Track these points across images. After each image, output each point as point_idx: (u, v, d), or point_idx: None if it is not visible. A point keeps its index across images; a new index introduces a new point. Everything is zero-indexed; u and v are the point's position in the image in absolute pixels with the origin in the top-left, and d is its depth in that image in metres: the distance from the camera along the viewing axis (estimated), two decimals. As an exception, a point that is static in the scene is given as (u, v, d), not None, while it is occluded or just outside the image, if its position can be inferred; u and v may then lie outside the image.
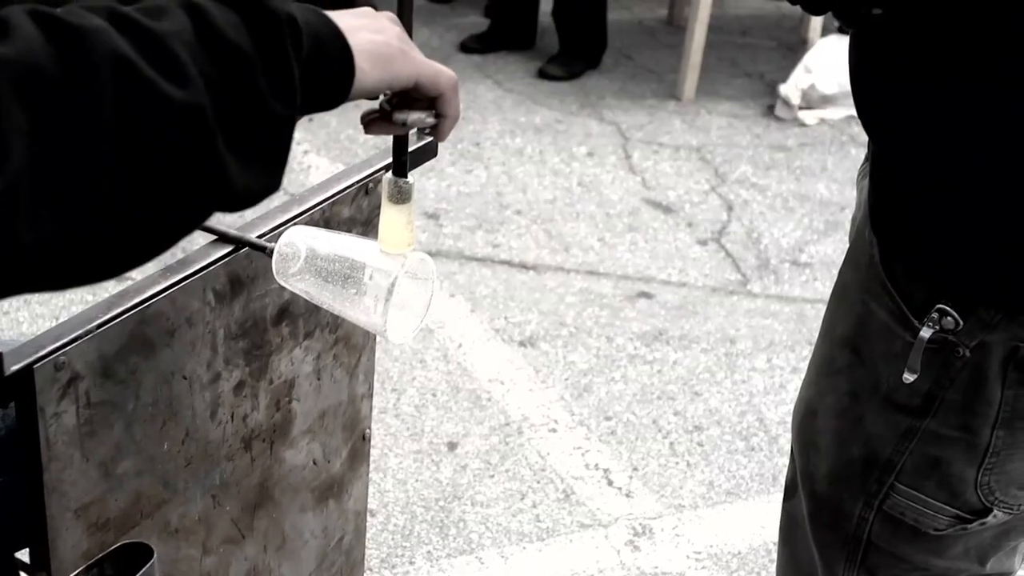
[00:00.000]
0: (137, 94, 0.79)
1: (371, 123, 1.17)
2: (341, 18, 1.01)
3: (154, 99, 0.80)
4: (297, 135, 4.49)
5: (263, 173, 0.92)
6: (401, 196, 1.23)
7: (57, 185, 0.76)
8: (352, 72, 1.01)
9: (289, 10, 0.93)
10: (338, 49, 1.00)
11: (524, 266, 3.88)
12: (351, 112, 4.79)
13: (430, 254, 3.82)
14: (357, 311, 1.28)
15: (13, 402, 1.20)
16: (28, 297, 3.44)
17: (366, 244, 1.29)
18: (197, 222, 0.89)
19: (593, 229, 4.13)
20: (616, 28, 5.59)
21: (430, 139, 1.67)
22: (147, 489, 1.37)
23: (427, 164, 1.67)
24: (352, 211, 1.57)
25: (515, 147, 4.66)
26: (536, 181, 4.41)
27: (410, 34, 1.16)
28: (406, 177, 1.23)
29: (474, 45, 5.46)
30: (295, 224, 1.45)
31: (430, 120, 1.15)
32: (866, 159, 1.52)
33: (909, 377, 1.36)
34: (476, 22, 5.66)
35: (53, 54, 0.76)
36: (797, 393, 1.64)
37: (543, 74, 5.27)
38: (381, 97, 1.15)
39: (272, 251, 1.34)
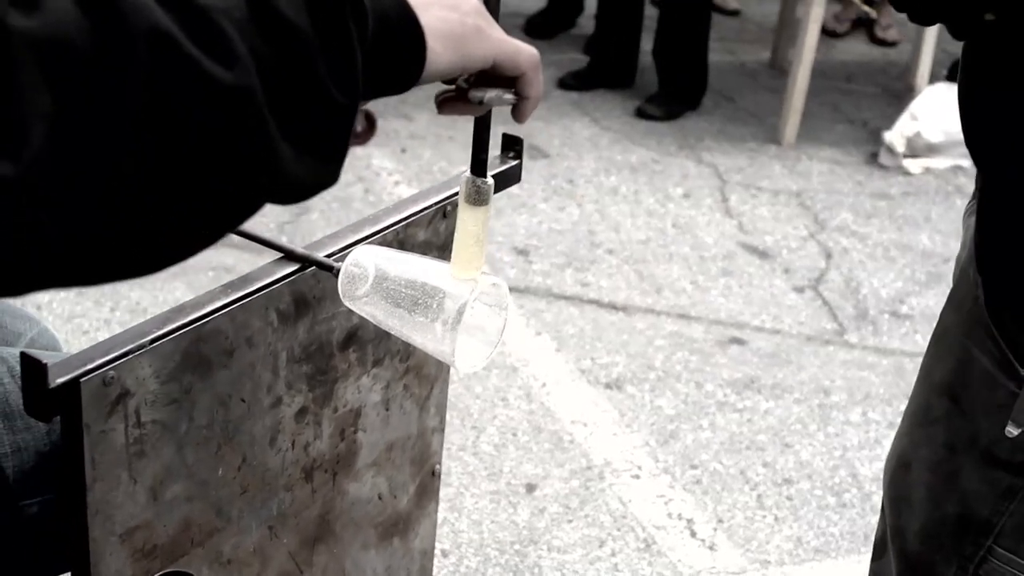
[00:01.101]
0: (177, 73, 0.72)
1: (445, 102, 1.09)
2: None
3: (196, 79, 0.73)
4: (388, 165, 4.52)
5: (320, 165, 0.84)
6: (479, 197, 1.16)
7: (82, 173, 0.70)
8: (423, 55, 0.94)
9: None
10: (407, 30, 0.92)
11: (614, 306, 3.80)
12: (445, 144, 4.80)
13: (518, 291, 3.76)
14: (425, 337, 1.21)
15: (59, 417, 1.15)
16: (108, 317, 3.43)
17: (438, 266, 1.23)
18: (245, 215, 0.82)
19: (686, 272, 4.04)
20: (717, 70, 5.51)
21: (514, 162, 1.60)
22: (198, 516, 1.31)
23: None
24: (428, 234, 1.51)
25: (610, 185, 4.59)
26: (629, 221, 4.33)
27: (495, 15, 1.08)
28: (485, 176, 1.16)
29: (572, 82, 5.41)
30: (366, 244, 1.39)
31: (509, 98, 1.07)
32: (973, 196, 1.42)
33: (1013, 431, 1.26)
34: (575, 59, 5.62)
35: (86, 27, 0.69)
36: (893, 446, 1.55)
37: (641, 113, 5.20)
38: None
39: (339, 271, 1.28)
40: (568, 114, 5.16)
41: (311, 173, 0.83)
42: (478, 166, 1.16)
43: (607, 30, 5.47)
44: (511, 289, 3.51)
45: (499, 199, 4.15)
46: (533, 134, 4.83)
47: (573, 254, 4.07)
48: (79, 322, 3.41)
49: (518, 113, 1.09)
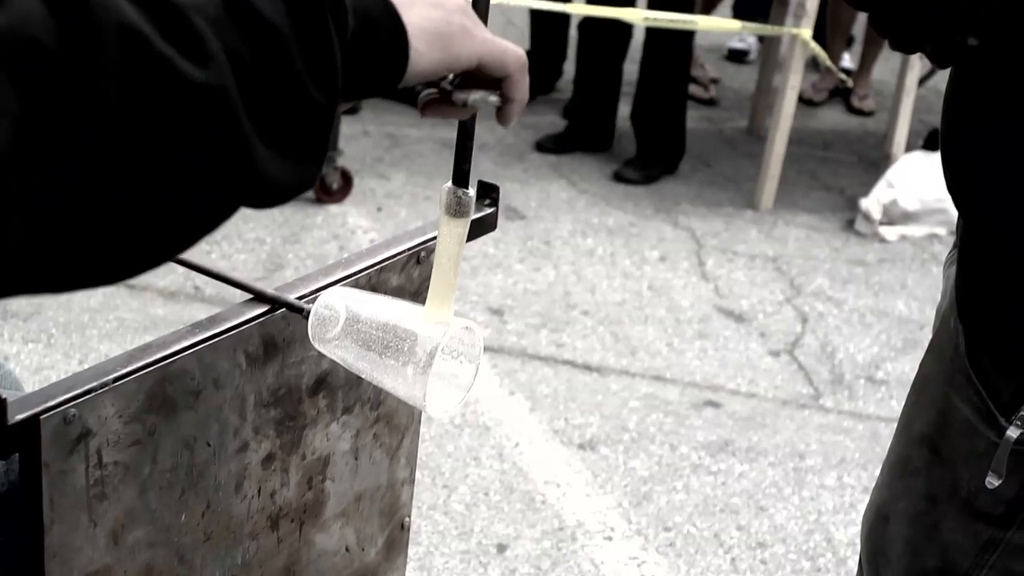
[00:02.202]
0: (148, 72, 0.70)
1: (428, 104, 1.06)
2: None
3: (167, 78, 0.71)
4: (364, 223, 4.50)
5: (297, 166, 0.82)
6: (460, 209, 1.13)
7: (49, 175, 0.67)
8: (406, 54, 0.91)
9: None
10: (390, 27, 0.90)
11: (588, 367, 3.77)
12: (421, 203, 4.78)
13: (492, 350, 3.73)
14: (396, 381, 1.19)
15: (17, 455, 1.12)
16: (77, 369, 3.38)
17: (410, 309, 1.20)
18: (219, 218, 0.80)
19: (662, 334, 4.02)
20: (695, 135, 5.53)
21: (490, 210, 1.58)
22: (160, 563, 1.27)
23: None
24: (401, 279, 1.49)
25: (586, 247, 4.58)
26: (605, 283, 4.32)
27: (484, 15, 1.05)
28: (467, 187, 1.13)
29: (550, 145, 5.41)
30: (337, 287, 1.36)
31: (494, 100, 1.04)
32: (954, 246, 1.41)
33: (993, 482, 1.24)
34: (554, 122, 5.63)
35: (52, 25, 0.67)
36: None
37: (618, 177, 5.21)
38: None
39: (309, 313, 1.25)
40: (545, 176, 5.15)
41: (288, 174, 0.81)
42: (460, 176, 1.13)
43: (585, 95, 5.49)
44: (485, 349, 3.48)
45: (474, 258, 4.15)
46: (510, 195, 4.82)
47: (548, 315, 4.05)
48: (47, 374, 3.37)
49: (503, 116, 1.06)
